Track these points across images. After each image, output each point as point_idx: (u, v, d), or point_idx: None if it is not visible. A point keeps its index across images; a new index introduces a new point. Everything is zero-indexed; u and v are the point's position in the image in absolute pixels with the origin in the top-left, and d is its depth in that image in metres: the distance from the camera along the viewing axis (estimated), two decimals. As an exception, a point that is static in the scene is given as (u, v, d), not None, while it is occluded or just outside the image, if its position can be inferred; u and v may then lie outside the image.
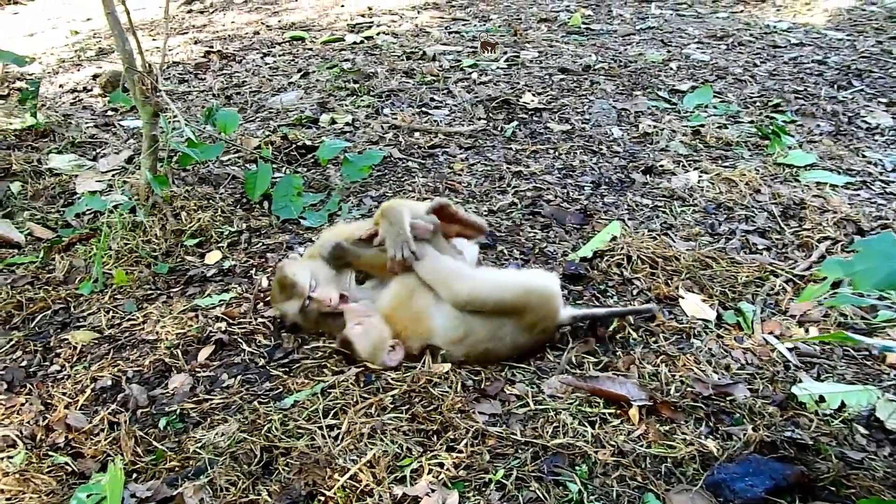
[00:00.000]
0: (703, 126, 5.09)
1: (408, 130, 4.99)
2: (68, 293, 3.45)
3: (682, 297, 3.26)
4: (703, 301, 3.26)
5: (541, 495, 2.29)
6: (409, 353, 2.88)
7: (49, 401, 2.85)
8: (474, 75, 6.04)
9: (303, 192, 4.09)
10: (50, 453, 2.59)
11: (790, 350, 2.99)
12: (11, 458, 2.57)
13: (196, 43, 7.53)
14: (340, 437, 2.52)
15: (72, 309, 3.37)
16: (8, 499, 2.40)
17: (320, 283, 3.00)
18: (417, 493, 2.28)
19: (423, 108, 5.40)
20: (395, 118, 5.19)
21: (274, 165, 4.39)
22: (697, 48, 6.99)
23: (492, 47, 6.80)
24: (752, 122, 5.23)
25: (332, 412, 2.63)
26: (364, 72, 6.13)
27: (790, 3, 8.58)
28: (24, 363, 3.07)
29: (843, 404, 2.66)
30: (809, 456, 2.43)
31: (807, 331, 3.10)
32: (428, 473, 2.36)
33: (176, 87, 6.14)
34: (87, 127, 5.30)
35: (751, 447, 2.46)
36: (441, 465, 2.40)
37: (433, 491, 2.29)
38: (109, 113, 5.66)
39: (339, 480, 2.32)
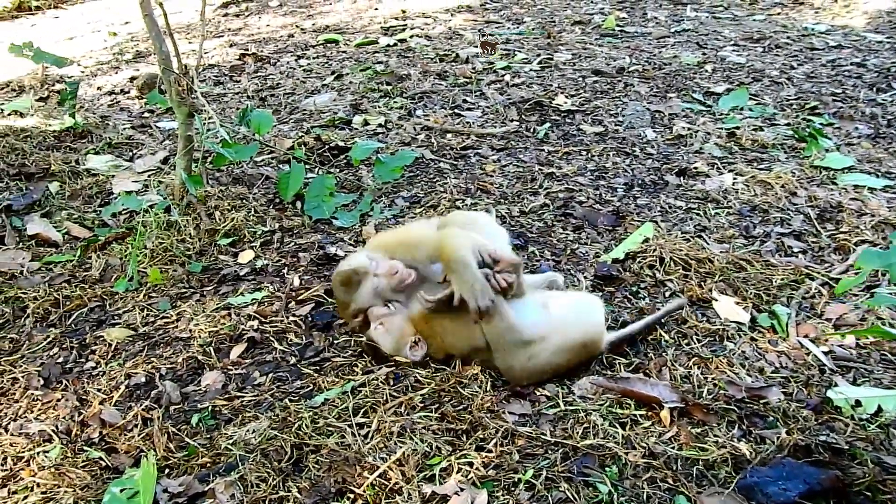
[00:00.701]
0: (738, 128, 5.04)
1: (440, 132, 4.99)
2: (104, 291, 3.49)
3: (716, 300, 3.23)
4: (737, 303, 3.22)
5: (570, 496, 2.28)
6: (435, 357, 2.89)
7: (84, 397, 2.90)
8: (507, 77, 6.04)
9: (335, 192, 4.11)
10: (85, 448, 2.62)
11: (826, 354, 2.95)
12: (47, 452, 2.61)
13: (231, 46, 7.60)
14: (370, 435, 2.53)
15: (107, 307, 3.42)
16: (44, 492, 2.44)
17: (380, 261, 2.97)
18: (446, 492, 2.28)
19: (456, 110, 5.40)
20: (428, 119, 5.20)
21: (307, 166, 4.42)
22: (733, 50, 6.92)
23: (492, 48, 6.81)
24: (788, 124, 5.17)
25: (362, 410, 2.64)
26: (397, 74, 6.15)
27: (829, 6, 8.46)
28: (60, 360, 3.12)
29: (879, 409, 2.61)
30: (844, 461, 2.39)
31: (843, 335, 3.05)
32: (457, 472, 2.36)
33: (211, 89, 6.20)
34: (124, 128, 5.37)
35: (784, 451, 2.42)
36: (470, 464, 2.39)
37: (462, 490, 2.29)
38: (146, 114, 5.73)
39: (368, 478, 2.33)
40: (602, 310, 2.92)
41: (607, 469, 2.38)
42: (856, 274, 2.91)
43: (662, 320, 3.09)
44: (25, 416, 2.80)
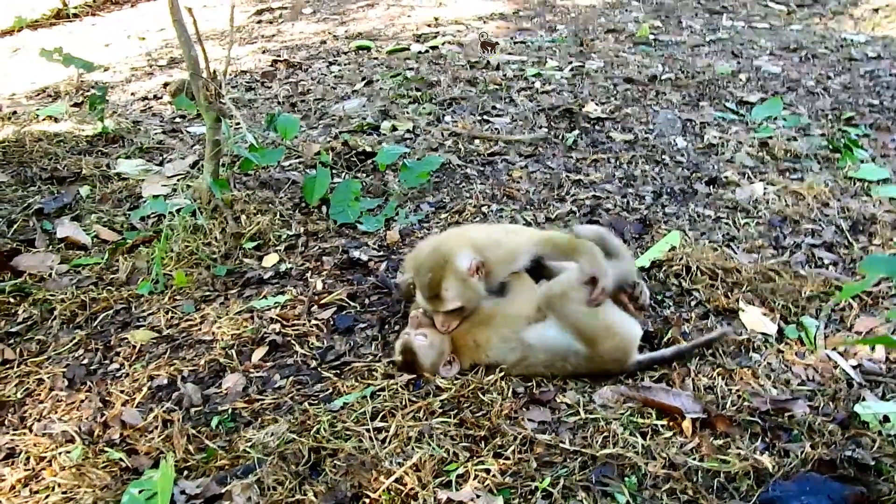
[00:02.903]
0: (771, 138, 4.97)
1: (468, 138, 4.98)
2: (130, 294, 3.52)
3: (743, 310, 3.18)
4: (764, 314, 3.17)
5: (588, 505, 2.25)
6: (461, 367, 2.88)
7: (107, 398, 2.91)
8: (537, 84, 6.01)
9: (360, 197, 4.11)
10: (105, 449, 2.64)
11: (854, 367, 2.89)
12: (69, 452, 2.62)
13: (264, 52, 7.65)
14: (388, 439, 2.52)
15: (132, 309, 3.44)
16: (64, 492, 2.46)
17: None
18: (462, 499, 2.26)
19: (485, 116, 5.39)
20: (456, 125, 5.19)
21: (333, 171, 4.43)
22: (769, 60, 6.85)
23: (492, 47, 6.80)
24: (823, 134, 5.10)
25: (381, 415, 2.63)
26: (427, 80, 6.15)
27: (869, 16, 8.36)
28: (85, 361, 3.14)
29: (908, 424, 2.55)
30: (870, 477, 2.34)
31: (872, 348, 2.99)
32: (474, 479, 2.34)
33: (243, 94, 6.24)
34: (156, 133, 5.42)
35: (808, 465, 2.38)
36: (487, 471, 2.37)
37: (478, 497, 2.27)
38: (177, 119, 5.78)
39: (384, 483, 2.32)
40: (637, 329, 2.89)
41: (626, 479, 2.35)
42: (861, 280, 2.85)
43: (686, 328, 3.05)
44: (49, 417, 2.82)
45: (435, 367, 2.84)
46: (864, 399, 2.71)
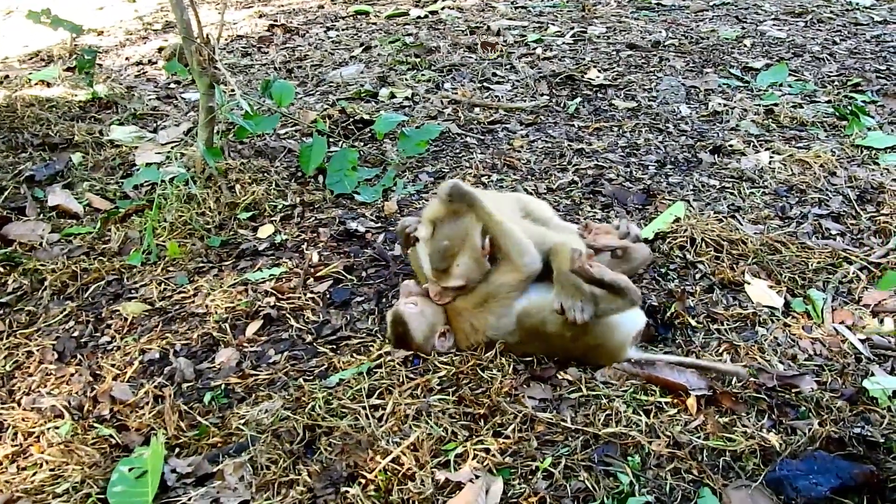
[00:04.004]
0: (776, 105, 4.88)
1: (468, 105, 4.89)
2: (122, 264, 3.44)
3: (748, 283, 3.11)
4: (771, 287, 3.10)
5: (590, 485, 2.20)
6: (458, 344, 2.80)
7: (98, 372, 2.85)
8: (539, 50, 5.90)
9: (358, 166, 4.02)
10: (95, 425, 2.57)
11: (863, 341, 2.82)
12: (58, 428, 2.56)
13: (261, 17, 7.52)
14: (384, 417, 2.46)
15: (125, 280, 3.37)
16: (52, 469, 2.39)
17: None
18: (461, 479, 2.20)
19: (485, 83, 5.28)
20: (456, 93, 5.09)
21: (330, 139, 4.34)
22: (774, 25, 6.72)
23: (491, 47, 6.67)
24: (829, 101, 5.00)
25: (378, 392, 2.56)
26: (426, 46, 6.04)
27: (874, -21, 8.21)
28: (75, 333, 3.07)
29: (919, 400, 2.49)
30: (880, 454, 2.28)
31: (881, 321, 2.92)
32: (473, 458, 2.28)
33: (239, 60, 6.13)
34: (150, 99, 5.32)
35: (816, 443, 2.32)
36: (487, 450, 2.31)
37: (477, 477, 2.21)
38: (172, 85, 5.68)
39: (380, 463, 2.26)
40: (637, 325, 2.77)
41: (629, 458, 2.29)
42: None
43: (690, 302, 2.98)
44: (38, 391, 2.75)
45: (427, 340, 2.74)
46: (872, 374, 2.65)
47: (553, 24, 6.60)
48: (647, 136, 4.47)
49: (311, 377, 2.70)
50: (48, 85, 5.48)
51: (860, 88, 5.24)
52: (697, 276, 3.20)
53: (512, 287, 2.70)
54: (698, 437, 2.36)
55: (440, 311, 2.80)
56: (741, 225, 3.55)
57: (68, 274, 3.39)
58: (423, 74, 5.45)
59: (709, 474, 2.24)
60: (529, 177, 4.00)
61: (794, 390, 2.55)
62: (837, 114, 4.75)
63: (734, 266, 3.22)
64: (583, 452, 2.31)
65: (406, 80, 5.39)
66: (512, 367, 2.65)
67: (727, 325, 2.89)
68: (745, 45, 6.10)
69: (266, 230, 3.61)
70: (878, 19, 6.91)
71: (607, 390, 2.55)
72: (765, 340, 2.82)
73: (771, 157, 4.19)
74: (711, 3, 7.42)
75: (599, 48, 5.98)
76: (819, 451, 2.28)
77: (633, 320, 2.72)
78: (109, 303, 3.23)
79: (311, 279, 3.24)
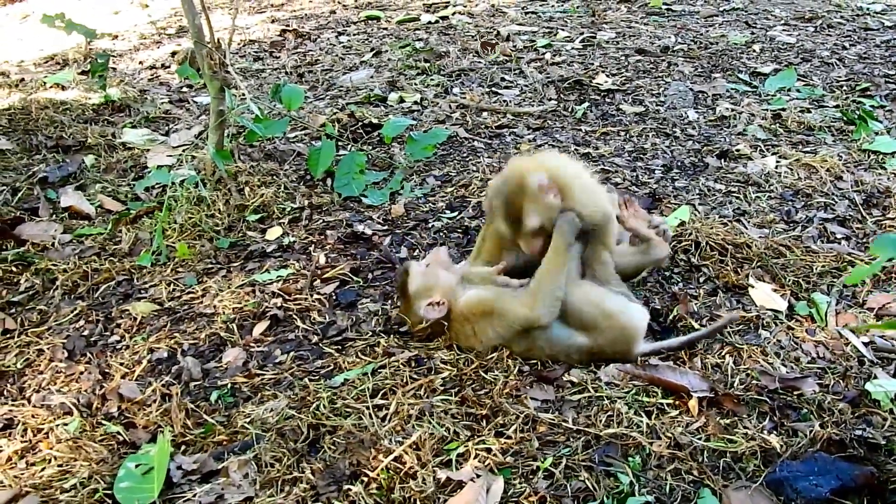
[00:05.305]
0: (784, 110, 4.88)
1: (476, 110, 4.91)
2: (132, 265, 3.48)
3: (752, 286, 3.12)
4: (775, 290, 3.11)
5: (590, 485, 2.22)
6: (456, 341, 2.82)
7: (107, 370, 2.89)
8: (547, 55, 5.92)
9: (366, 169, 4.05)
10: (103, 422, 2.61)
11: (865, 345, 2.83)
12: (67, 425, 2.60)
13: (273, 22, 7.57)
14: (388, 417, 2.49)
15: (134, 280, 3.41)
16: (60, 465, 2.43)
17: None
18: (462, 478, 2.22)
19: (493, 88, 5.31)
20: (464, 97, 5.12)
21: (339, 143, 4.37)
22: (783, 30, 6.72)
23: (491, 47, 6.69)
24: (837, 106, 5.00)
25: (381, 392, 2.59)
26: (436, 51, 6.07)
27: (886, -15, 8.20)
28: (86, 332, 3.11)
29: (920, 404, 2.50)
30: (881, 457, 2.29)
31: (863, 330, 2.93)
32: (474, 458, 2.30)
33: (251, 64, 6.18)
34: (162, 102, 5.37)
35: (817, 445, 2.33)
36: (488, 450, 2.34)
37: (478, 476, 2.23)
38: (184, 89, 5.73)
39: (382, 461, 2.28)
40: (643, 318, 2.80)
41: (630, 459, 2.31)
42: (872, 262, 2.79)
43: (694, 306, 2.99)
44: (48, 389, 2.80)
45: (419, 295, 2.79)
46: (875, 377, 2.66)
47: (563, 30, 6.62)
48: (654, 141, 4.48)
49: (317, 377, 2.73)
50: (63, 88, 5.55)
51: (869, 93, 5.24)
52: (701, 279, 3.22)
53: (517, 321, 2.73)
54: (699, 439, 2.37)
55: (448, 284, 2.82)
56: (746, 229, 3.56)
57: (79, 274, 3.43)
58: (432, 79, 5.48)
59: (709, 475, 2.25)
60: (536, 180, 4.01)
61: (795, 392, 2.57)
62: (845, 118, 4.75)
63: (738, 269, 3.23)
64: (584, 453, 2.33)
65: (415, 84, 5.42)
66: (517, 368, 2.68)
67: (730, 327, 2.90)
68: (755, 50, 6.11)
69: (274, 232, 3.65)
70: (889, 24, 6.90)
71: (610, 391, 2.57)
72: (768, 343, 2.83)
73: (777, 162, 4.20)
74: (722, 9, 7.43)
75: (608, 53, 6.00)
76: (820, 452, 2.29)
77: (637, 314, 2.77)
78: (119, 302, 3.27)
79: (318, 281, 3.28)
